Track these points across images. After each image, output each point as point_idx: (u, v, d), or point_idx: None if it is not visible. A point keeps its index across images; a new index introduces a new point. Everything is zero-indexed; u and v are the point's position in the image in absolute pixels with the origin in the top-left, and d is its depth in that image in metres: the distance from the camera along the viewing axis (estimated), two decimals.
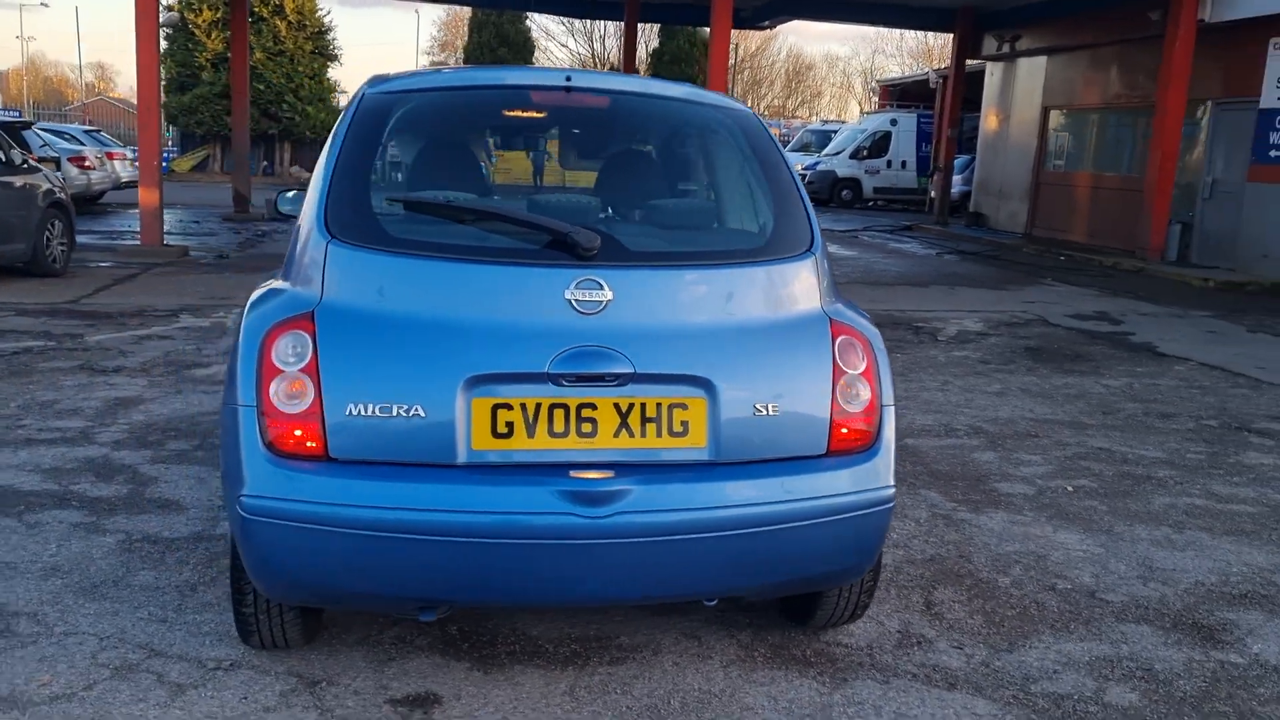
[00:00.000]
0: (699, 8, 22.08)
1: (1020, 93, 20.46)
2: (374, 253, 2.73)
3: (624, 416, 2.68)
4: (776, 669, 3.08)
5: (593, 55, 45.92)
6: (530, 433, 2.63)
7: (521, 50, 40.58)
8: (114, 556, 3.69)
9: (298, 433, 2.60)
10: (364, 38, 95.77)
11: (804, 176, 28.02)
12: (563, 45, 63.80)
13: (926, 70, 30.75)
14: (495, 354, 2.64)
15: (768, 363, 2.79)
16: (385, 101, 3.09)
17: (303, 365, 2.62)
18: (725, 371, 2.73)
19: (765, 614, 3.42)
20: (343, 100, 40.00)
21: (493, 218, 2.88)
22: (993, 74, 21.53)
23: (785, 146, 33.38)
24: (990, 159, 21.44)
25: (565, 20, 44.08)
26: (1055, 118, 19.48)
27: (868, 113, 36.38)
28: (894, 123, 30.29)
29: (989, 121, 21.61)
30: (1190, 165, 15.64)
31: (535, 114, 3.28)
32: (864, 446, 2.85)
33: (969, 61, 21.50)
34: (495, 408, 2.62)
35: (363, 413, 2.60)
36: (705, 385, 2.72)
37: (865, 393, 2.86)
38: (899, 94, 33.04)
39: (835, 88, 69.05)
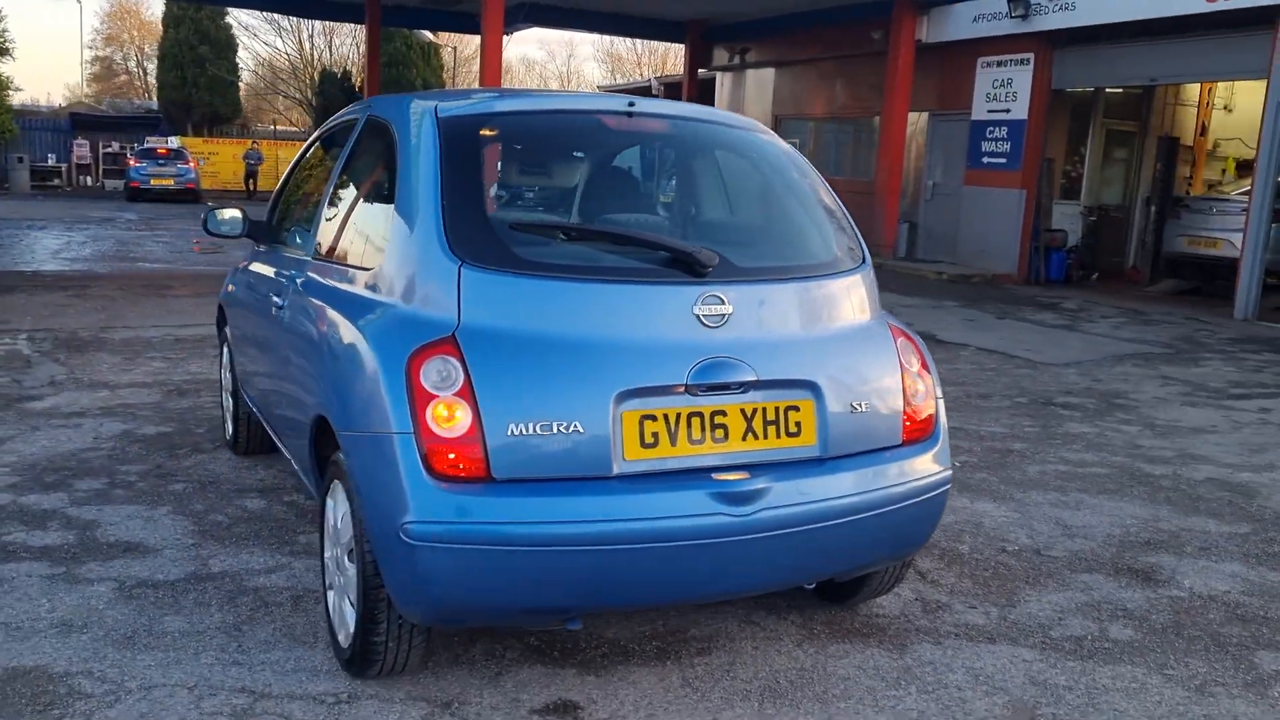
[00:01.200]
0: (443, 13, 21.95)
1: (751, 102, 21.81)
2: (512, 276, 2.80)
3: (749, 421, 2.90)
4: (843, 643, 3.40)
5: (300, 54, 44.18)
6: (673, 441, 2.80)
7: (224, 49, 38.46)
8: (123, 605, 3.46)
9: (456, 456, 2.64)
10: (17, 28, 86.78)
11: None
12: (268, 44, 60.82)
13: (650, 78, 32.00)
14: (641, 369, 2.79)
15: (855, 365, 3.10)
16: (468, 124, 3.12)
17: (456, 389, 2.66)
18: (826, 375, 3.01)
19: (796, 597, 3.72)
20: (17, 98, 36.18)
21: (623, 240, 3.00)
22: (723, 84, 22.83)
23: None
24: None
25: (270, 17, 42.10)
26: (786, 126, 20.95)
27: None
28: None
29: None
30: (913, 170, 17.35)
31: (607, 137, 3.41)
32: (927, 434, 3.22)
33: (700, 71, 22.67)
34: (642, 419, 2.77)
35: (524, 432, 2.67)
36: (813, 388, 2.99)
37: (923, 387, 3.23)
38: None
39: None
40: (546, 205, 3.27)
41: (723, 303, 2.91)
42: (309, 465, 3.36)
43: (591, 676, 3.10)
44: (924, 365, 3.27)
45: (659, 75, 32.19)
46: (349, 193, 3.64)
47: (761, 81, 21.41)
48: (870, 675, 3.19)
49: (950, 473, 3.25)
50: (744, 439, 2.89)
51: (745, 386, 2.88)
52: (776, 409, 2.94)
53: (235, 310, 4.81)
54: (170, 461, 5.07)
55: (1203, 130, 17.15)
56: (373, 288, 3.02)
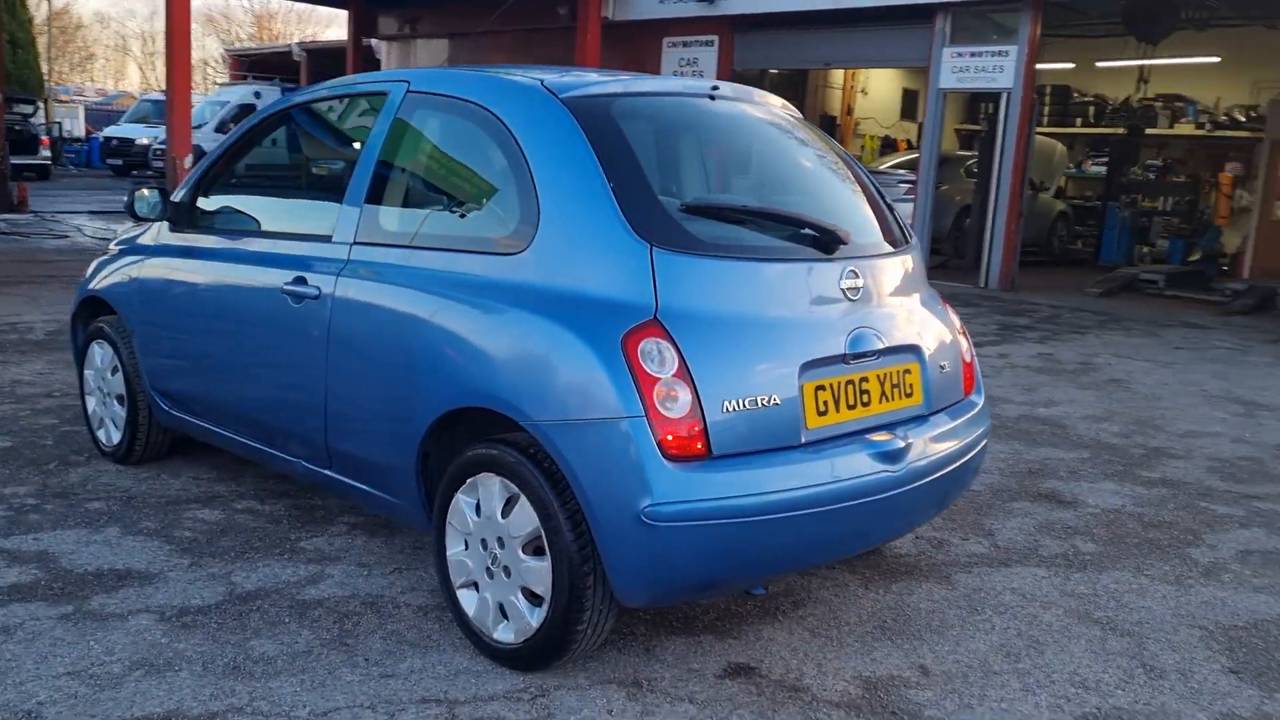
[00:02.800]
0: None
1: None
2: (700, 257, 2.85)
3: (882, 385, 3.16)
4: (899, 582, 3.75)
5: None
6: (837, 408, 3.01)
7: None
8: (187, 636, 3.11)
9: (683, 436, 2.69)
10: None
11: (159, 152, 26.06)
12: None
13: (290, 44, 30.33)
14: (814, 342, 2.97)
15: (935, 328, 3.45)
16: (599, 106, 3.09)
17: (673, 370, 2.70)
18: (923, 339, 3.34)
19: None
20: None
21: (778, 219, 3.10)
22: (389, 54, 22.20)
23: (124, 118, 30.76)
24: None
25: None
26: None
27: (223, 84, 34.73)
28: (258, 95, 29.45)
29: None
30: None
31: (703, 119, 3.46)
32: (975, 387, 3.64)
33: (328, 38, 21.83)
34: (816, 389, 2.96)
35: (735, 408, 2.77)
36: (917, 352, 3.30)
37: (967, 344, 3.65)
38: (251, 65, 32.19)
39: (111, 50, 63.86)
40: (672, 187, 3.29)
41: (857, 276, 3.14)
42: (413, 466, 3.17)
43: (734, 640, 3.23)
44: (963, 327, 3.67)
45: (302, 41, 30.62)
46: (422, 174, 3.45)
47: (435, 52, 21.08)
48: (947, 606, 3.57)
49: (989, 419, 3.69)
50: (880, 402, 3.14)
51: (879, 354, 3.14)
52: (897, 373, 3.22)
53: (154, 305, 4.28)
54: (54, 480, 4.44)
55: (849, 110, 19.19)
56: (530, 273, 2.91)
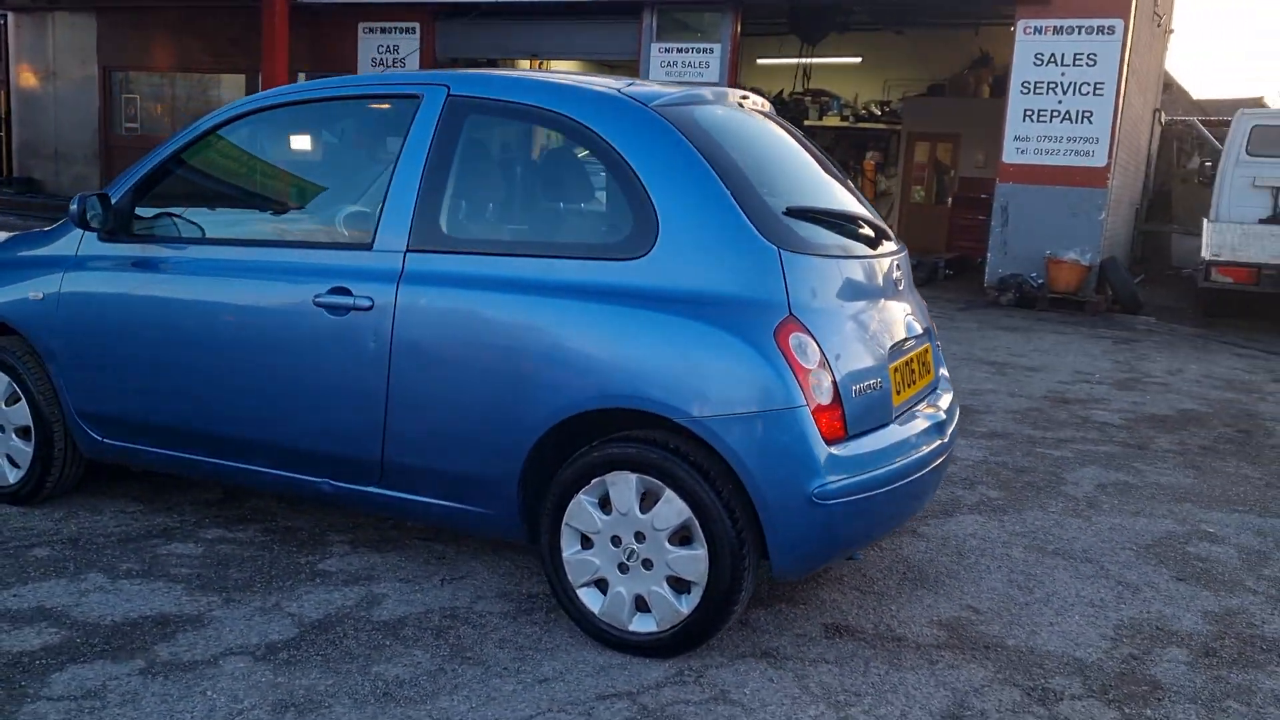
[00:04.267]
0: None
1: (63, 51, 19.28)
2: (814, 256, 3.12)
3: (918, 365, 3.60)
4: (955, 520, 4.20)
5: None
6: (903, 388, 3.41)
7: None
8: (304, 672, 2.95)
9: (831, 420, 2.97)
10: None
11: None
12: None
13: None
14: (892, 329, 3.35)
15: (924, 313, 3.92)
16: (684, 115, 3.23)
17: (817, 361, 2.98)
18: (928, 324, 3.81)
19: None
20: None
21: (850, 220, 3.38)
22: (18, 29, 19.75)
23: None
24: (36, 119, 19.80)
25: None
26: (124, 79, 18.99)
27: None
28: None
29: (24, 79, 19.84)
30: None
31: (747, 123, 3.63)
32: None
33: None
34: (894, 371, 3.33)
35: (859, 392, 3.09)
36: (930, 334, 3.77)
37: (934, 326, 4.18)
38: None
39: None
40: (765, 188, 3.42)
41: (899, 269, 3.54)
42: (516, 474, 3.18)
43: (807, 606, 3.53)
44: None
45: None
46: (494, 182, 3.41)
47: (79, 27, 19.00)
48: (939, 555, 4.07)
49: None
50: (918, 381, 3.57)
51: (916, 338, 3.56)
52: (924, 353, 3.66)
53: (91, 325, 3.83)
54: None
55: None
56: (652, 276, 3.02)
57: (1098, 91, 11.97)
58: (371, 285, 3.34)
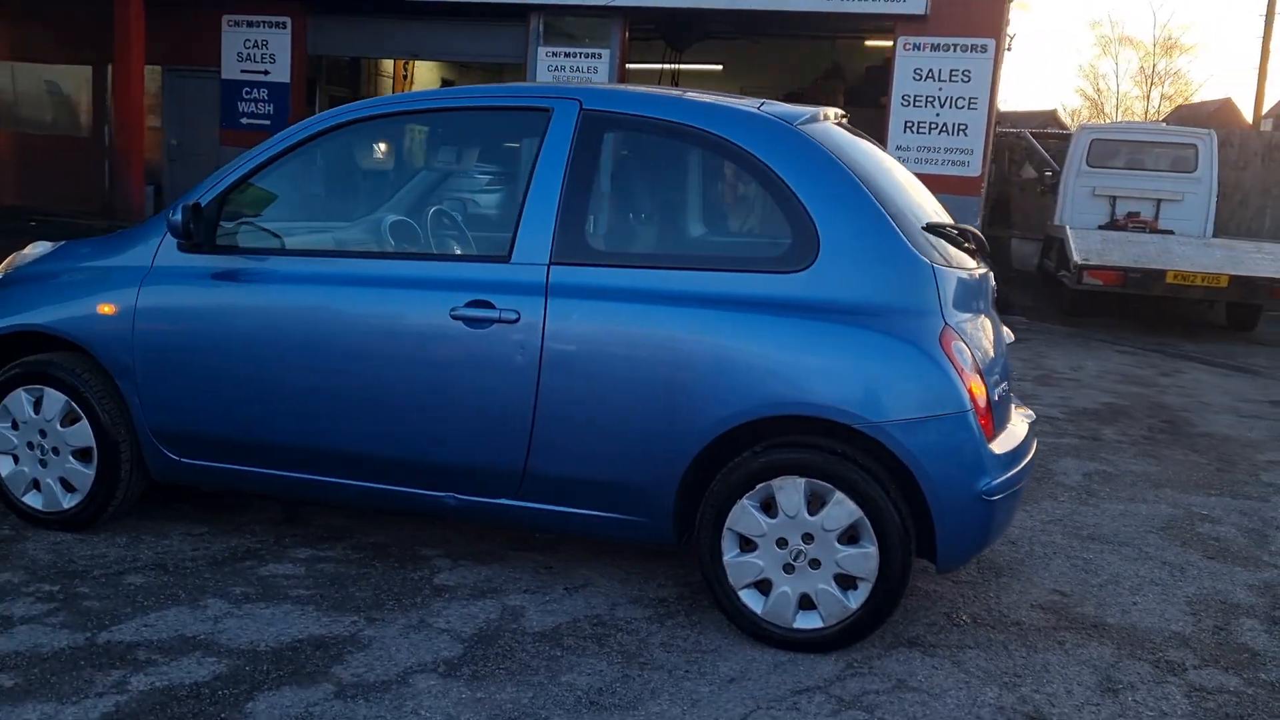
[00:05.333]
0: None
1: None
2: (954, 270, 3.34)
3: None
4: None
5: None
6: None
7: None
8: (497, 686, 2.97)
9: (988, 421, 3.21)
10: None
11: None
12: None
13: None
14: (996, 333, 3.61)
15: None
16: (820, 132, 3.39)
17: (972, 366, 3.21)
18: None
19: None
20: None
21: (967, 237, 3.59)
22: None
23: None
24: None
25: None
26: None
27: None
28: None
29: None
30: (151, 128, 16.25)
31: (856, 144, 3.78)
32: None
33: None
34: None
35: (997, 395, 3.34)
36: None
37: None
38: None
39: None
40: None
41: (993, 282, 3.81)
42: (675, 482, 3.26)
43: (913, 598, 3.75)
44: None
45: None
46: (640, 196, 3.46)
47: None
48: (997, 545, 4.37)
49: None
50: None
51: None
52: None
53: (178, 340, 3.67)
54: (28, 563, 3.65)
55: None
56: (814, 288, 3.17)
57: (972, 105, 12.77)
58: (515, 298, 3.36)
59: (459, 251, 3.52)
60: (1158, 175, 13.00)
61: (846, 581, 3.21)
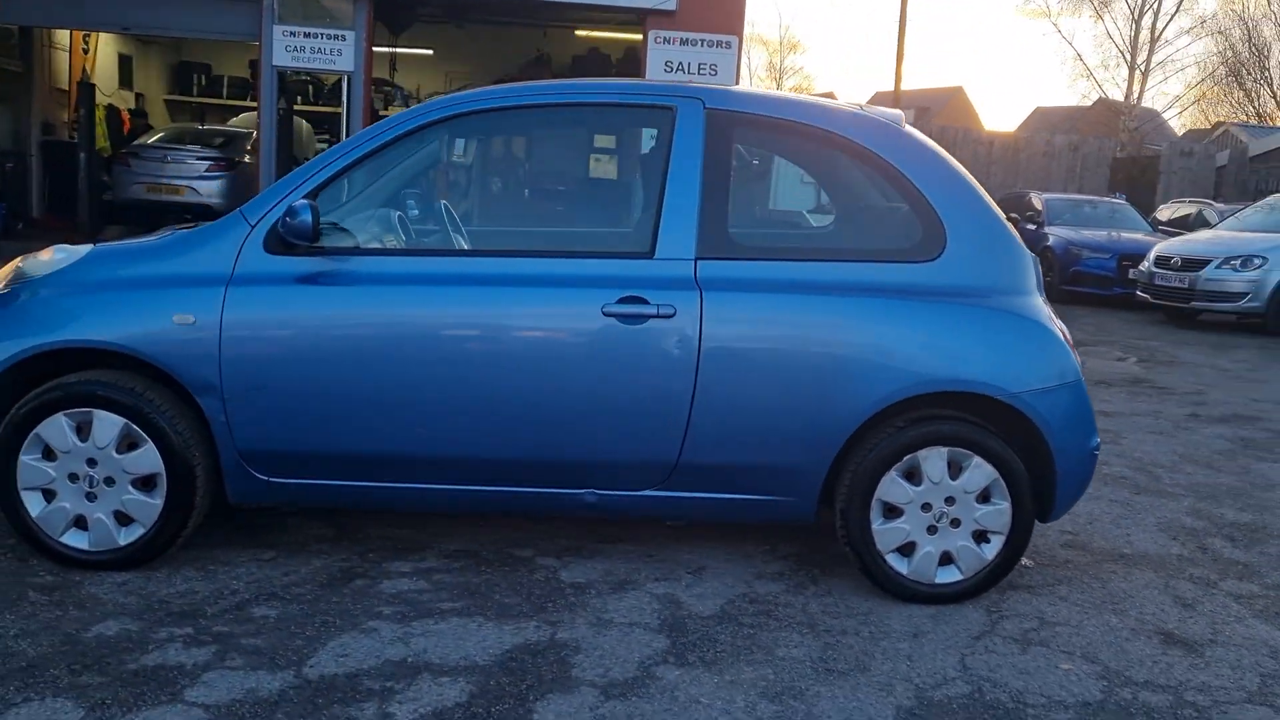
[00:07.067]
0: None
1: None
2: (1032, 256, 3.81)
3: None
4: None
5: None
6: None
7: None
8: (716, 673, 3.09)
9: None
10: None
11: None
12: None
13: None
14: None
15: None
16: (920, 133, 3.73)
17: (1069, 339, 3.70)
18: None
19: None
20: None
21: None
22: None
23: None
24: None
25: None
26: None
27: None
28: None
29: None
30: None
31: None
32: None
33: None
34: None
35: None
36: None
37: None
38: None
39: None
40: None
41: None
42: (827, 462, 3.48)
43: None
44: None
45: None
46: (774, 192, 3.57)
47: None
48: None
49: None
50: None
51: None
52: None
53: (281, 351, 3.38)
54: (103, 615, 3.27)
55: (84, 77, 17.31)
56: (946, 276, 3.51)
57: None
58: (666, 293, 3.43)
59: (593, 248, 3.51)
60: None
61: (981, 537, 3.59)
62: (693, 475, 3.53)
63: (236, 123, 17.94)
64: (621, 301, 3.41)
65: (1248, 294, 12.10)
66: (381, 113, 17.40)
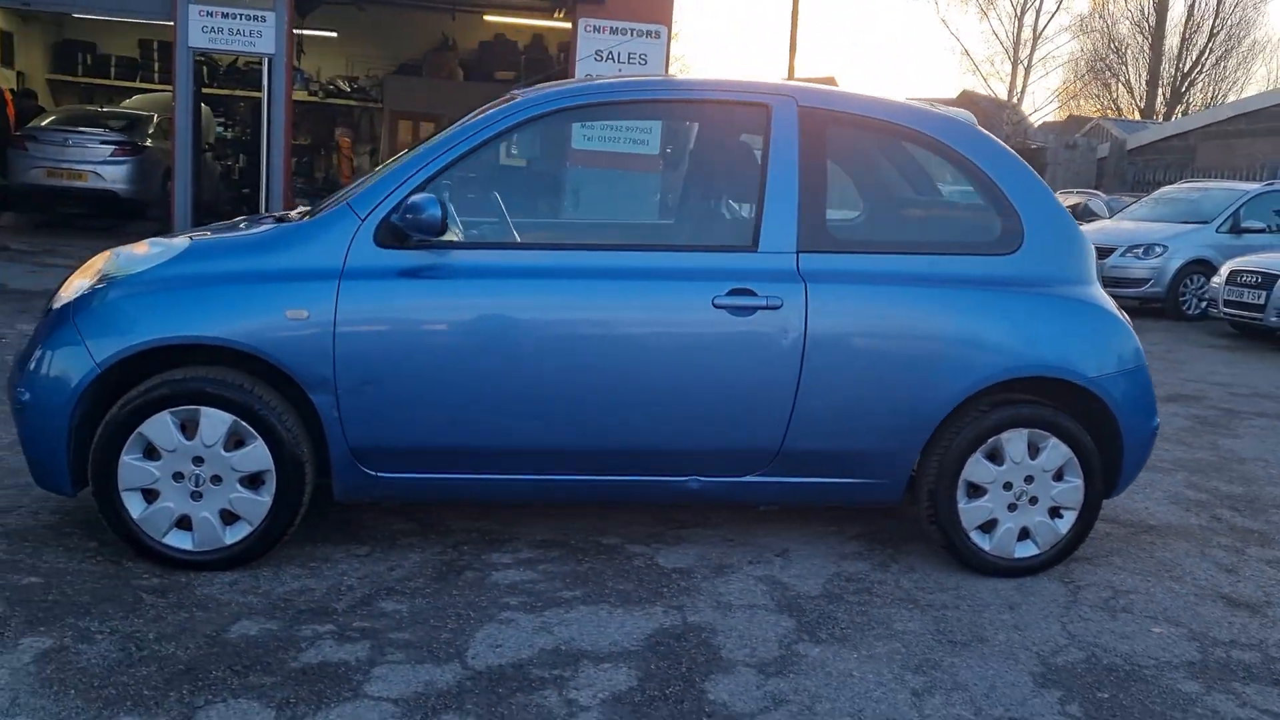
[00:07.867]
0: None
1: None
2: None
3: None
4: None
5: None
6: None
7: None
8: (875, 645, 3.24)
9: None
10: None
11: None
12: None
13: None
14: None
15: None
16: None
17: (1130, 324, 3.97)
18: None
19: None
20: None
21: None
22: None
23: None
24: None
25: None
26: None
27: None
28: None
29: None
30: None
31: None
32: None
33: None
34: None
35: None
36: None
37: None
38: None
39: None
40: None
41: None
42: (919, 445, 3.65)
43: None
44: None
45: None
46: (865, 186, 3.73)
47: None
48: None
49: None
50: None
51: None
52: None
53: (400, 345, 3.37)
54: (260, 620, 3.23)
55: None
56: (1024, 267, 3.72)
57: None
58: (773, 285, 3.55)
59: (697, 241, 3.58)
60: None
61: (1055, 513, 3.82)
62: (793, 461, 3.66)
63: (132, 104, 17.22)
64: (731, 294, 3.51)
65: (1149, 279, 12.87)
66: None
